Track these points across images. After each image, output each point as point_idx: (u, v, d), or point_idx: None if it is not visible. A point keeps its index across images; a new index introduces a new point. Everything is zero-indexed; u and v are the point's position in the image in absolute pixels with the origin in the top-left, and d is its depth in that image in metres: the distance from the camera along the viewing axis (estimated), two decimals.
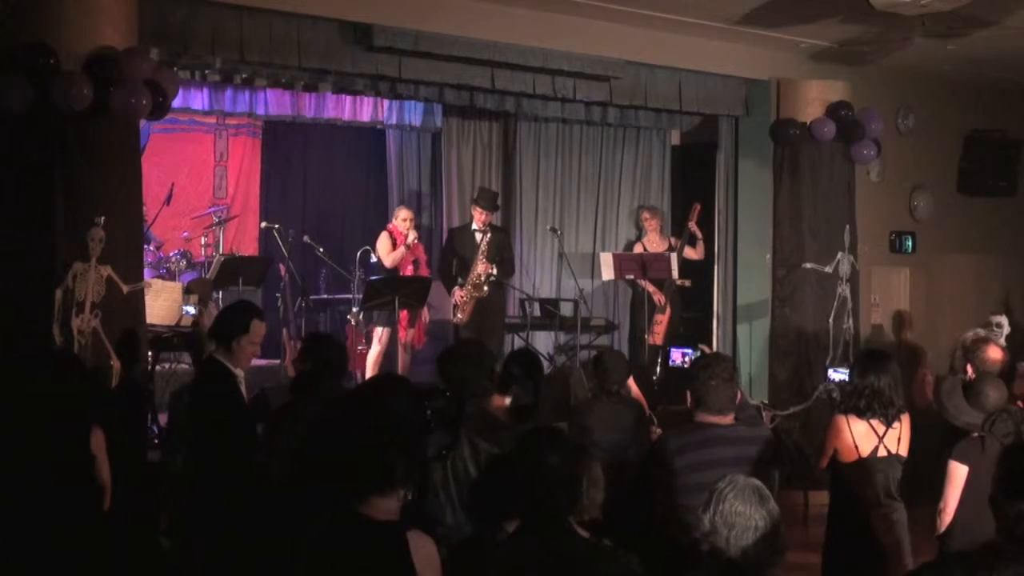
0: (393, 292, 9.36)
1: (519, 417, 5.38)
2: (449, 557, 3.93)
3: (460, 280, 9.94)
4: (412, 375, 9.28)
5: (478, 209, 10.04)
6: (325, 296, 11.14)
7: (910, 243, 11.47)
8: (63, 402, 5.03)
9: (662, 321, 10.72)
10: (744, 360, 10.68)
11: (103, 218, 6.76)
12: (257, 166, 12.11)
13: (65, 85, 6.58)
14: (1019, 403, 5.76)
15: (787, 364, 10.19)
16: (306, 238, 10.71)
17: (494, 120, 11.32)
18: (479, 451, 4.44)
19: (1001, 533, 3.08)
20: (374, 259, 10.15)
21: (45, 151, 6.64)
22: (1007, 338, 9.32)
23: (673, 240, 11.11)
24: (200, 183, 11.82)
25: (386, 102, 11.08)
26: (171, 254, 10.50)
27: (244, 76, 9.04)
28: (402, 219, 10.19)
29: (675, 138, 12.05)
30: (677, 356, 9.66)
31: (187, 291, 8.76)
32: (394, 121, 11.42)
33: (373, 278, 9.78)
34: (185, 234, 11.22)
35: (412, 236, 10.10)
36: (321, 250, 10.65)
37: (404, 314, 9.70)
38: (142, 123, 7.70)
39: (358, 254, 10.31)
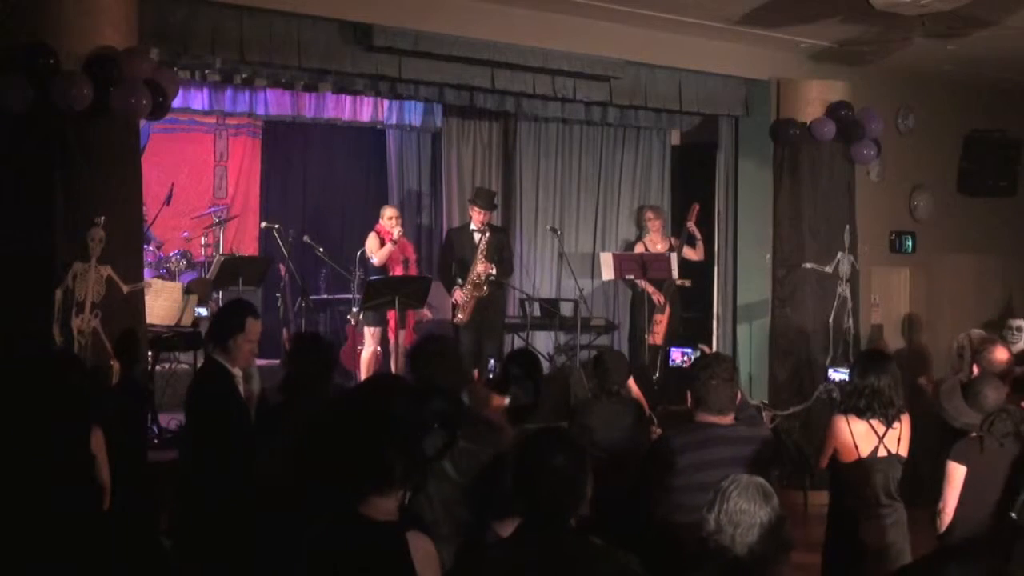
0: (393, 292, 9.36)
1: (518, 417, 5.38)
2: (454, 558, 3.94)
3: (460, 280, 9.94)
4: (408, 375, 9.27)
5: (476, 209, 10.04)
6: (325, 296, 11.15)
7: (910, 243, 11.47)
8: (63, 402, 5.03)
9: (662, 321, 10.72)
10: (744, 360, 10.68)
11: (103, 218, 6.76)
12: (257, 166, 12.12)
13: (65, 85, 6.58)
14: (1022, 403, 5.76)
15: (787, 364, 10.19)
16: (306, 238, 10.72)
17: (494, 120, 11.33)
18: (457, 448, 4.42)
19: None
20: (375, 260, 10.14)
21: (45, 151, 6.64)
22: None
23: (674, 240, 11.11)
24: (200, 183, 11.83)
25: (386, 102, 11.09)
26: (171, 254, 10.51)
27: (244, 76, 9.04)
28: (388, 217, 10.24)
29: (675, 138, 12.06)
30: (677, 356, 9.66)
31: (187, 291, 8.76)
32: (394, 121, 11.43)
33: (373, 278, 9.79)
34: (185, 234, 11.23)
35: (397, 232, 10.14)
36: (321, 250, 10.66)
37: (392, 314, 9.71)
38: (142, 123, 7.70)
39: (358, 254, 10.32)
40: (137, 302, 7.14)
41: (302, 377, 5.56)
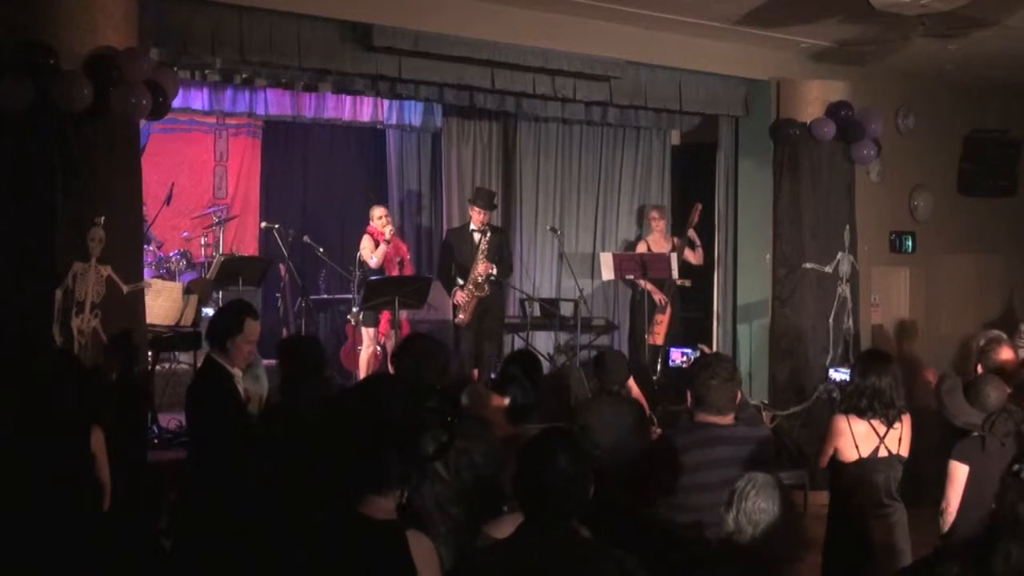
0: (393, 292, 9.36)
1: (518, 418, 5.38)
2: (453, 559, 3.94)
3: (460, 281, 9.93)
4: None
5: (475, 209, 10.04)
6: (325, 296, 11.15)
7: (910, 243, 11.47)
8: (63, 402, 5.04)
9: (662, 321, 10.72)
10: (744, 360, 10.68)
11: (103, 218, 6.75)
12: (257, 166, 12.11)
13: (65, 85, 6.58)
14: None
15: (787, 364, 10.19)
16: (306, 238, 10.71)
17: (494, 120, 11.33)
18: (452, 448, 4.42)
19: None
20: (373, 261, 10.13)
21: (45, 151, 6.63)
22: None
23: (676, 240, 11.11)
24: (200, 183, 11.82)
25: (386, 102, 11.09)
26: (171, 254, 10.50)
27: (244, 76, 9.04)
28: (377, 217, 10.23)
29: (675, 138, 12.06)
30: (677, 356, 9.67)
31: (187, 291, 8.75)
32: (394, 121, 11.43)
33: (373, 278, 9.79)
34: (185, 234, 11.22)
35: (389, 231, 10.13)
36: (321, 250, 10.65)
37: (385, 315, 9.71)
38: (142, 123, 7.70)
39: (358, 254, 10.32)
40: (137, 302, 7.13)
41: (294, 377, 5.58)
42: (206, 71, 8.84)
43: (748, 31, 9.56)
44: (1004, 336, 6.85)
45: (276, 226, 10.61)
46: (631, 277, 10.94)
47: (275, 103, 10.75)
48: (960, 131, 11.87)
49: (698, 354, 7.40)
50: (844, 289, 10.28)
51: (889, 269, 11.37)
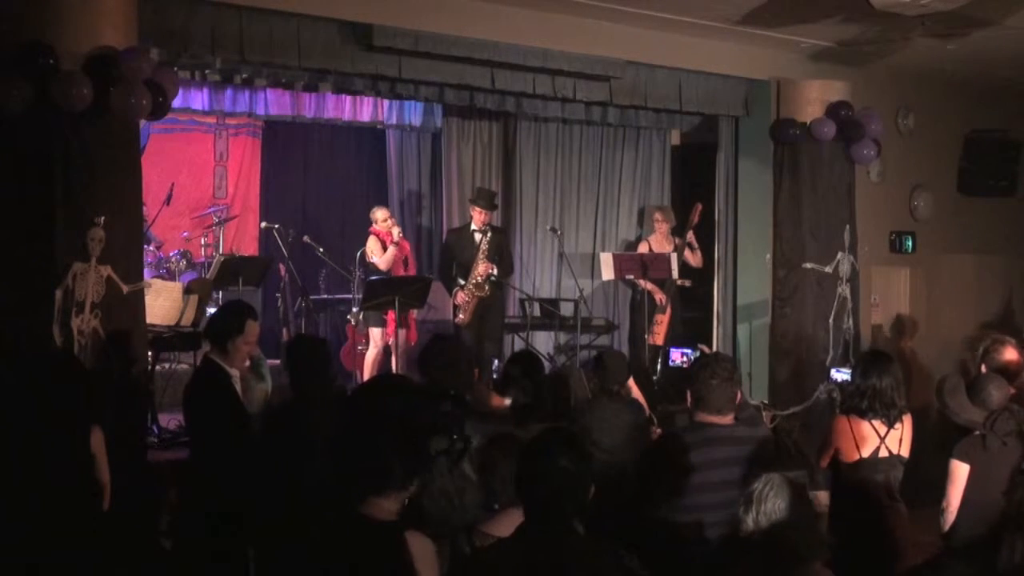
0: (393, 292, 9.35)
1: (519, 418, 5.38)
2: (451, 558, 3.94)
3: (461, 281, 9.92)
4: (411, 375, 9.26)
5: (477, 209, 10.02)
6: (325, 296, 11.15)
7: (910, 243, 11.46)
8: (63, 402, 5.03)
9: (662, 321, 10.71)
10: (744, 360, 10.68)
11: (103, 218, 6.74)
12: (257, 166, 12.11)
13: (65, 85, 6.57)
14: None
15: (787, 364, 10.19)
16: (306, 238, 10.71)
17: (494, 120, 11.32)
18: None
19: None
20: (382, 265, 10.08)
21: (45, 151, 6.63)
22: None
23: (677, 241, 11.10)
24: (200, 183, 11.82)
25: (386, 102, 11.09)
26: (171, 254, 10.50)
27: (244, 76, 9.02)
28: (382, 220, 10.15)
29: (675, 138, 12.05)
30: (677, 356, 9.65)
31: (187, 291, 8.75)
32: (394, 121, 11.43)
33: (373, 278, 9.77)
34: (185, 234, 11.22)
35: (397, 232, 10.10)
36: (321, 250, 10.64)
37: (391, 315, 9.69)
38: (142, 123, 7.70)
39: (358, 254, 10.30)
40: (137, 302, 7.12)
41: (302, 377, 5.58)
42: (206, 71, 8.84)
43: (748, 31, 9.56)
44: (1006, 337, 6.85)
45: (276, 226, 10.60)
46: (631, 277, 10.94)
47: (275, 103, 10.74)
48: (960, 131, 11.86)
49: (698, 354, 7.39)
50: (844, 289, 10.28)
51: (889, 269, 11.37)
